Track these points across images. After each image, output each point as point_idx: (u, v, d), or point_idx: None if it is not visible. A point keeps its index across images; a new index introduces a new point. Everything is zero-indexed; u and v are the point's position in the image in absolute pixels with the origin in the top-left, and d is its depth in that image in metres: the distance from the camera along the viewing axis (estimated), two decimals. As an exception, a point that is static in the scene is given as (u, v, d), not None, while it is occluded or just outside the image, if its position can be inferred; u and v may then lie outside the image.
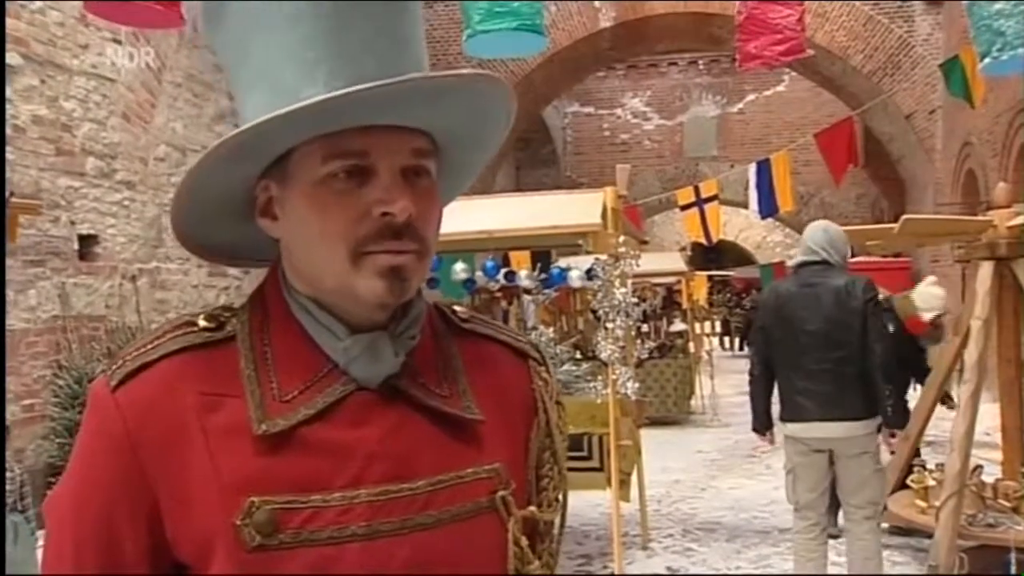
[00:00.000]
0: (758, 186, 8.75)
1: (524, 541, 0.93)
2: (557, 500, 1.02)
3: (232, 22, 0.88)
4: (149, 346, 0.89)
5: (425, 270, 0.91)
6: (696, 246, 13.87)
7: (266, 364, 0.88)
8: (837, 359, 4.06)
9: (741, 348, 22.21)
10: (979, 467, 4.81)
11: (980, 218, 5.12)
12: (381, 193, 0.85)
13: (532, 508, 0.97)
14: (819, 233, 4.29)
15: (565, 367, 6.18)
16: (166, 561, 0.86)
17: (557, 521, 1.03)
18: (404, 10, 0.90)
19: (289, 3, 0.85)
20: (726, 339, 23.69)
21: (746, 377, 4.53)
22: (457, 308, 1.04)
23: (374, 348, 0.89)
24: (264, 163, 0.89)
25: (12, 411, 6.01)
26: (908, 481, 5.38)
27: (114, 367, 0.88)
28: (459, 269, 5.42)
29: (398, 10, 0.89)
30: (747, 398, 4.54)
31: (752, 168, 8.91)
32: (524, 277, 5.61)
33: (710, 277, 17.33)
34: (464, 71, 0.87)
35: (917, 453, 5.57)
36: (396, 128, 0.87)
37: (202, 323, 0.90)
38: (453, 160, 0.97)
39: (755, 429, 4.51)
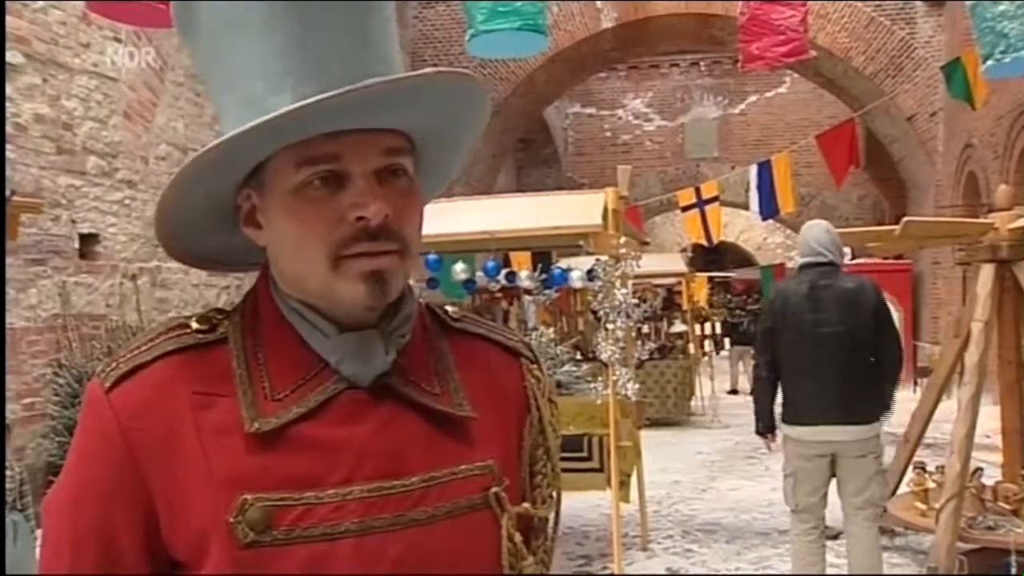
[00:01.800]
0: (759, 187, 8.76)
1: (518, 537, 0.94)
2: (551, 497, 1.02)
3: (202, 30, 0.89)
4: (143, 348, 0.90)
5: (408, 269, 0.91)
6: (697, 247, 13.85)
7: (258, 364, 0.89)
8: (848, 362, 4.02)
9: (732, 346, 22.10)
10: (979, 470, 4.81)
11: (981, 220, 5.12)
12: (355, 197, 0.85)
13: (526, 505, 0.97)
14: (824, 235, 4.25)
15: (565, 368, 6.18)
16: (162, 560, 0.86)
17: (551, 518, 1.03)
18: (373, 13, 0.89)
19: (255, 11, 0.85)
20: (726, 341, 23.60)
21: (743, 378, 4.61)
22: (449, 308, 1.05)
23: (364, 347, 0.89)
24: (241, 174, 0.89)
25: (12, 409, 6.01)
26: (907, 483, 5.39)
27: (108, 369, 0.89)
28: (459, 269, 5.41)
29: (367, 14, 0.88)
30: (746, 399, 4.55)
31: (753, 169, 8.92)
32: (525, 278, 5.61)
33: (710, 278, 17.33)
34: (427, 70, 0.86)
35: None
36: (367, 130, 0.86)
37: (195, 325, 0.91)
38: (431, 156, 0.97)
39: (760, 432, 4.41)
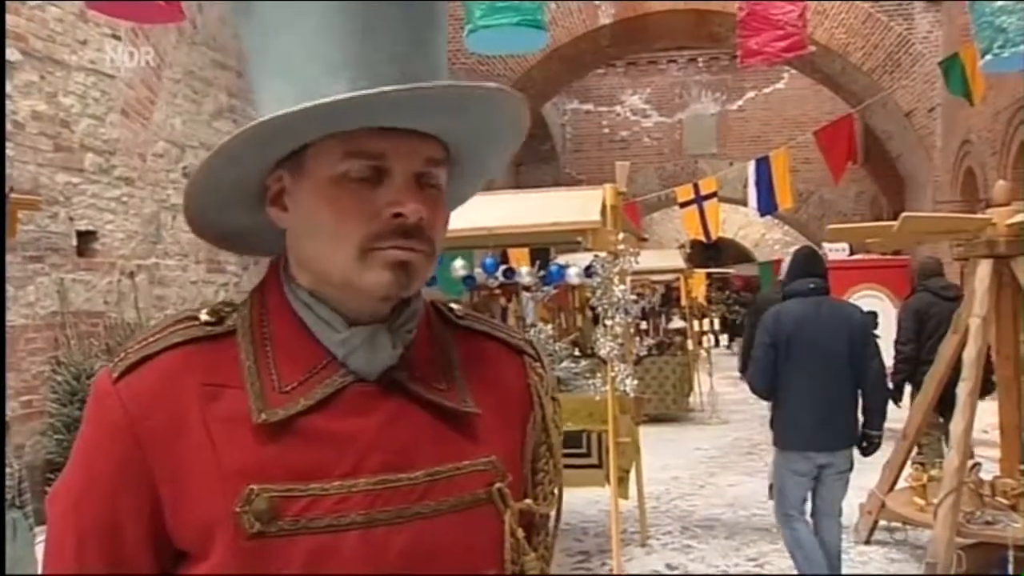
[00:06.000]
0: (757, 183, 8.75)
1: (520, 533, 0.94)
2: (553, 494, 1.03)
3: (261, 12, 0.90)
4: (151, 339, 0.91)
5: (430, 270, 0.92)
6: (695, 243, 13.85)
7: (266, 356, 0.90)
8: None
9: (729, 345, 22.19)
10: (977, 464, 4.82)
11: (979, 216, 5.13)
12: (394, 195, 0.87)
13: (528, 501, 0.98)
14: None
15: (564, 364, 6.17)
16: (166, 550, 0.87)
17: (553, 515, 1.04)
18: (432, 20, 0.91)
19: (321, 4, 0.86)
20: (723, 336, 23.66)
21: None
22: (453, 306, 1.06)
23: (372, 340, 0.90)
24: (280, 154, 0.90)
25: (11, 407, 6.00)
26: (906, 478, 5.39)
27: (117, 360, 0.90)
28: (458, 266, 5.42)
29: (426, 19, 0.91)
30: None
31: (751, 165, 8.91)
32: (523, 274, 5.61)
33: (709, 275, 17.36)
34: (487, 84, 0.89)
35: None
36: (413, 133, 0.89)
37: (204, 317, 0.92)
38: (462, 167, 0.99)
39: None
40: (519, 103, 0.93)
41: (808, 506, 4.42)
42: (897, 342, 6.24)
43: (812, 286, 4.34)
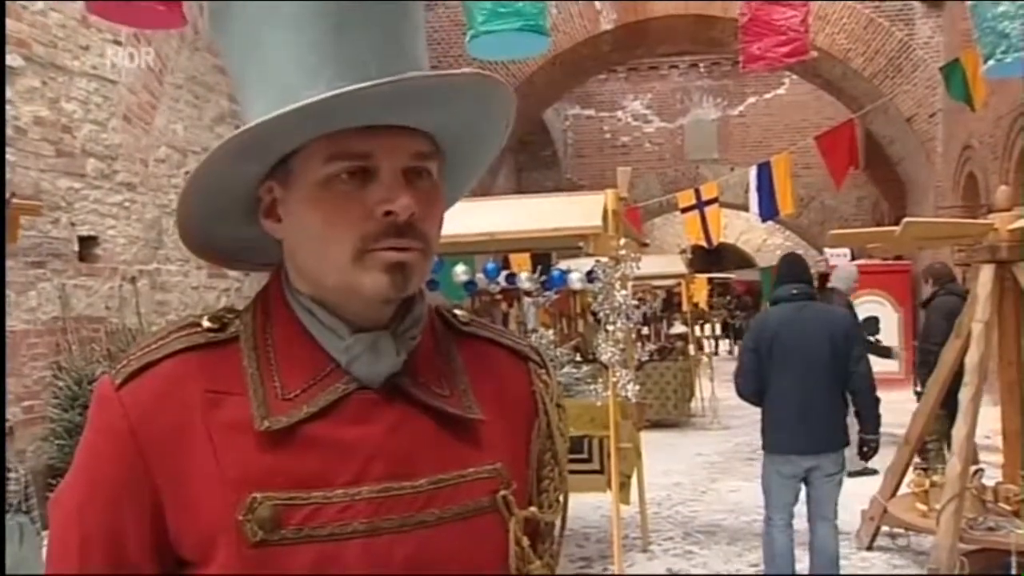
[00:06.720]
0: (758, 189, 8.77)
1: (525, 541, 0.94)
2: (558, 501, 1.02)
3: (238, 25, 0.89)
4: (153, 346, 0.90)
5: (427, 268, 0.91)
6: (696, 249, 13.83)
7: (269, 363, 0.89)
8: None
9: (730, 351, 22.18)
10: (980, 470, 4.81)
11: (981, 221, 5.13)
12: (383, 193, 0.86)
13: (533, 508, 0.97)
14: None
15: (565, 369, 6.18)
16: (169, 558, 0.87)
17: (558, 523, 1.03)
18: (407, 16, 0.90)
19: (294, 7, 0.86)
20: (725, 342, 23.64)
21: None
22: (457, 312, 1.05)
23: (376, 347, 0.90)
24: (267, 164, 0.89)
25: (12, 412, 6.00)
26: (908, 484, 5.38)
27: (119, 366, 0.89)
28: (459, 271, 5.41)
29: (401, 16, 0.90)
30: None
31: (752, 171, 8.93)
32: (524, 279, 5.60)
33: (710, 280, 17.35)
34: (463, 71, 0.87)
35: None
36: (398, 129, 0.87)
37: (206, 323, 0.91)
38: (456, 161, 0.98)
39: None
40: (501, 87, 0.92)
41: (799, 510, 4.44)
42: (933, 343, 6.13)
43: (795, 291, 4.41)
